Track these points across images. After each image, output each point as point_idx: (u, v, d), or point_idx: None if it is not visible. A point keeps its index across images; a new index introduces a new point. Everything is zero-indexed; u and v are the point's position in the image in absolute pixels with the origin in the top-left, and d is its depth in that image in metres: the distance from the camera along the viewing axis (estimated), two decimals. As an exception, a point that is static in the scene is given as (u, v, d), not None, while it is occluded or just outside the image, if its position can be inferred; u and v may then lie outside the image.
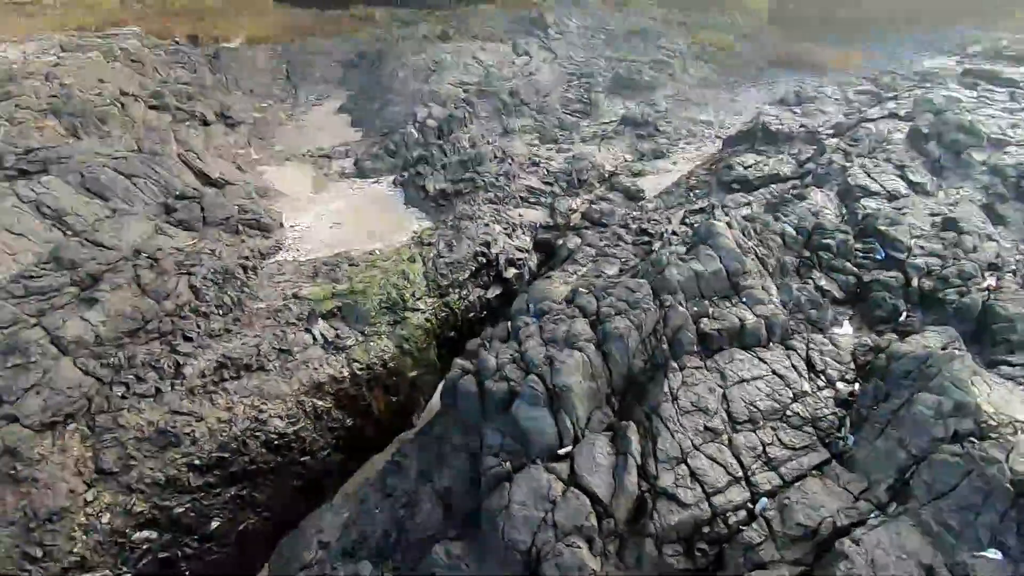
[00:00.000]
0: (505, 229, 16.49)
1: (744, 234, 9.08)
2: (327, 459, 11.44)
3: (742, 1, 29.85)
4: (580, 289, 8.85)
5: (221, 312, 11.43)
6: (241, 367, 10.58)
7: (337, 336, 11.91)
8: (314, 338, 11.73)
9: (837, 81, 20.30)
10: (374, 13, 33.65)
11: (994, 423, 6.30)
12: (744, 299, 8.06)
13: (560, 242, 17.21)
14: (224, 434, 9.71)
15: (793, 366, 7.41)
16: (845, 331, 8.24)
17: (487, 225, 15.79)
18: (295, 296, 12.42)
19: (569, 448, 6.91)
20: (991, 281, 8.52)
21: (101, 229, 11.73)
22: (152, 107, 18.21)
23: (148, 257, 11.41)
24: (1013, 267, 8.89)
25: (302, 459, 10.88)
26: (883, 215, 9.90)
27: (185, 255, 12.31)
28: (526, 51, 26.06)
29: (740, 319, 7.77)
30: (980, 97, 15.35)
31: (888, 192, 11.26)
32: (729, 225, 8.99)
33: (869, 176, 11.79)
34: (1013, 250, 9.42)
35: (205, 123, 18.78)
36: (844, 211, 11.23)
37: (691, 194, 16.06)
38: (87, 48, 21.76)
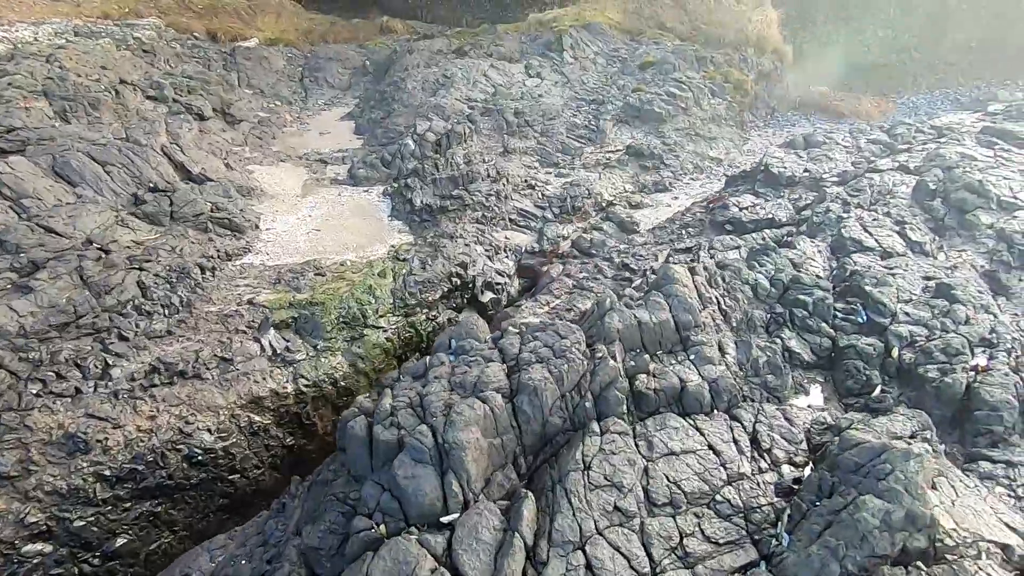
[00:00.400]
0: (487, 251, 15.83)
1: (711, 282, 8.27)
2: (260, 478, 10.70)
3: (764, 40, 29.22)
4: (510, 328, 8.09)
5: (167, 312, 10.84)
6: (175, 373, 9.93)
7: (287, 348, 11.25)
8: (262, 348, 11.07)
9: (851, 128, 19.49)
10: (396, 24, 33.66)
11: (952, 542, 5.29)
12: (692, 356, 7.21)
13: (544, 269, 16.51)
14: (141, 444, 9.02)
15: (735, 440, 6.47)
16: (808, 401, 7.34)
17: (467, 245, 15.13)
18: (250, 302, 11.81)
19: (454, 516, 5.96)
20: (980, 360, 7.58)
21: (56, 215, 11.26)
22: (150, 97, 17.96)
23: (99, 248, 10.90)
24: (1008, 346, 7.92)
25: (231, 477, 10.16)
26: (871, 274, 9.02)
27: (143, 249, 11.80)
28: (538, 73, 25.63)
29: (682, 380, 6.86)
30: (996, 157, 14.42)
31: (882, 248, 10.38)
32: (693, 271, 8.19)
33: (865, 230, 10.92)
34: (1011, 326, 8.43)
35: (202, 118, 18.49)
36: (833, 264, 10.37)
37: (683, 232, 15.27)
38: (100, 35, 21.76)
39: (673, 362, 7.21)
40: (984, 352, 7.82)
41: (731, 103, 26.86)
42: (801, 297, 8.58)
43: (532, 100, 23.26)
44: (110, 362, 9.54)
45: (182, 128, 17.20)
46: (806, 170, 15.59)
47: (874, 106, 29.95)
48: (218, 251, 13.04)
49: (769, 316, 8.38)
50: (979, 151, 14.94)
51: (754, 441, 6.63)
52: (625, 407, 6.72)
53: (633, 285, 12.39)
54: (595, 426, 6.46)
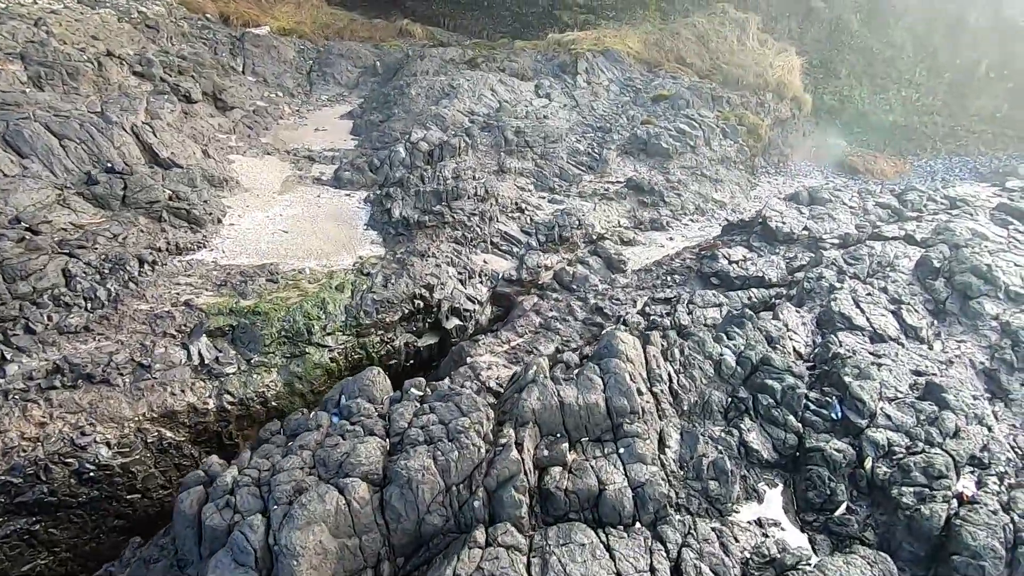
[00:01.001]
0: (460, 274, 14.87)
1: (666, 354, 7.28)
2: (166, 500, 9.69)
3: (784, 87, 28.41)
4: (413, 388, 7.09)
5: (89, 306, 9.91)
6: (81, 376, 8.98)
7: (217, 359, 10.28)
8: (188, 356, 10.12)
9: (860, 188, 18.54)
10: (416, 29, 33.06)
11: None
12: (622, 450, 6.15)
13: (520, 299, 15.53)
14: (22, 454, 8.06)
15: (651, 570, 5.36)
16: (758, 513, 6.25)
17: (438, 266, 14.18)
18: (187, 304, 10.88)
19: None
20: (966, 486, 6.50)
21: (-10, 188, 10.41)
22: (136, 73, 17.24)
23: (26, 228, 10.01)
24: (1001, 468, 6.83)
25: (129, 496, 9.15)
26: (854, 361, 7.98)
27: (80, 234, 10.92)
28: (548, 93, 24.85)
29: (602, 481, 5.69)
30: (1010, 239, 13.39)
31: (873, 329, 9.36)
32: (646, 339, 7.18)
33: (857, 305, 9.91)
34: (1006, 443, 7.32)
35: (189, 100, 17.73)
36: (816, 339, 9.35)
37: (668, 279, 14.28)
38: (105, 4, 21.13)
39: (598, 454, 6.14)
40: (972, 474, 6.72)
41: (743, 146, 25.93)
42: (769, 382, 7.53)
43: (536, 120, 22.41)
44: (7, 356, 8.61)
45: (163, 108, 16.41)
46: (806, 228, 14.60)
47: (890, 166, 28.95)
48: (168, 243, 12.14)
49: (730, 400, 7.32)
50: (992, 229, 13.91)
51: (676, 572, 5.53)
52: (526, 509, 5.63)
53: (572, 347, 11.34)
54: (480, 534, 5.34)
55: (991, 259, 11.18)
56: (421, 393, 6.92)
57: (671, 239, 19.23)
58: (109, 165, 12.71)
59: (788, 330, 9.23)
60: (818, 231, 14.60)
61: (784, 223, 14.57)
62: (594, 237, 18.21)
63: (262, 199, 16.11)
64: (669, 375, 7.04)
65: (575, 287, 15.55)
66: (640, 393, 6.46)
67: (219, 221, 13.94)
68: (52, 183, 11.49)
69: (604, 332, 7.53)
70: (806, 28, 30.02)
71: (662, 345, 7.55)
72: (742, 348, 8.00)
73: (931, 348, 9.24)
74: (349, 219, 16.23)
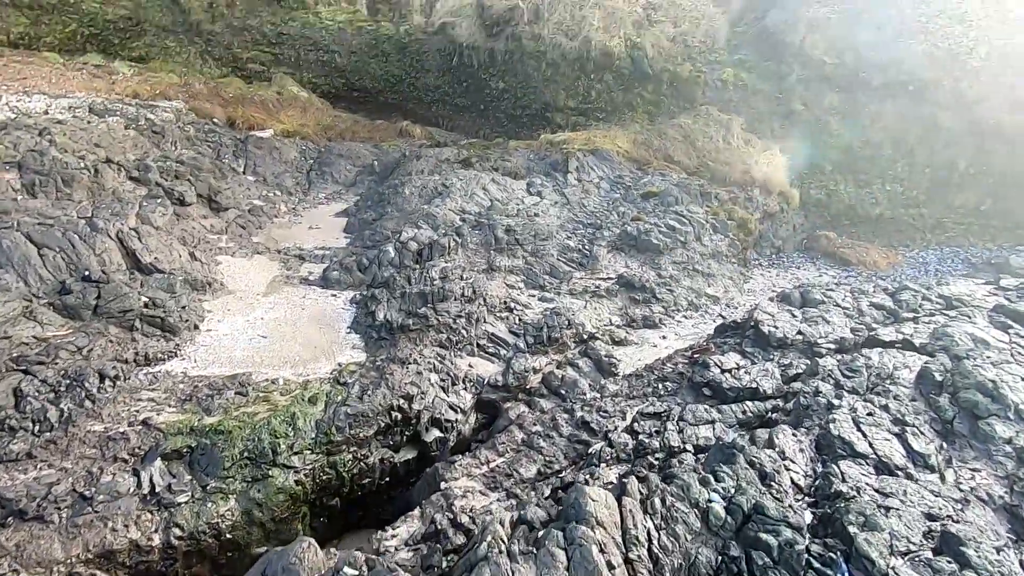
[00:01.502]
0: (443, 380, 14.26)
1: (646, 505, 6.53)
2: (94, 655, 8.53)
3: (771, 182, 29.13)
4: (347, 567, 6.28)
5: (37, 430, 9.27)
6: (12, 512, 8.19)
7: (170, 487, 9.47)
8: (138, 483, 9.32)
9: (852, 288, 18.28)
10: (415, 129, 34.58)
11: None
12: None
13: (507, 406, 14.80)
14: (-74, 613, 7.12)
15: None
16: None
17: (420, 373, 13.60)
18: (145, 423, 10.22)
19: None
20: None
21: (-47, 303, 10.12)
22: (133, 178, 17.61)
23: (-18, 347, 9.58)
24: (1040, 644, 5.88)
25: (48, 655, 8.04)
26: (858, 507, 7.15)
27: (41, 348, 10.48)
28: (539, 191, 25.41)
29: None
30: (1012, 344, 12.84)
31: (877, 457, 8.60)
32: (623, 489, 6.46)
33: (859, 428, 9.20)
34: (1042, 607, 6.39)
35: (182, 203, 17.98)
36: (817, 468, 8.57)
37: (660, 386, 13.62)
38: (114, 113, 22.11)
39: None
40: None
41: (734, 240, 26.10)
42: (764, 536, 6.67)
43: (527, 218, 22.70)
44: (-67, 493, 7.88)
45: (155, 212, 16.58)
46: (799, 332, 14.12)
47: (882, 257, 29.03)
48: (137, 354, 11.67)
49: (720, 559, 6.44)
50: (992, 334, 13.40)
51: None
52: None
53: (555, 469, 10.55)
54: None
55: (995, 373, 10.57)
56: (356, 573, 6.11)
57: (664, 337, 18.76)
58: (86, 273, 12.53)
59: (785, 459, 8.47)
60: (812, 335, 14.11)
61: (777, 327, 14.11)
62: (585, 337, 17.75)
63: (245, 301, 15.84)
64: (649, 533, 6.25)
65: (564, 392, 14.86)
66: (612, 568, 5.65)
67: (196, 327, 13.55)
68: (21, 295, 11.22)
69: (572, 489, 6.75)
70: (788, 128, 31.23)
71: (641, 493, 6.80)
72: (732, 492, 7.22)
73: (943, 479, 8.42)
74: (332, 322, 15.86)
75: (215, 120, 27.32)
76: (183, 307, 13.39)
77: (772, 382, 12.10)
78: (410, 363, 13.72)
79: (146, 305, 12.65)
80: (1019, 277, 22.24)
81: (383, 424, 12.19)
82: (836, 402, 10.17)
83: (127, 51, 32.59)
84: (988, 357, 11.41)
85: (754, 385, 11.92)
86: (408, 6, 35.97)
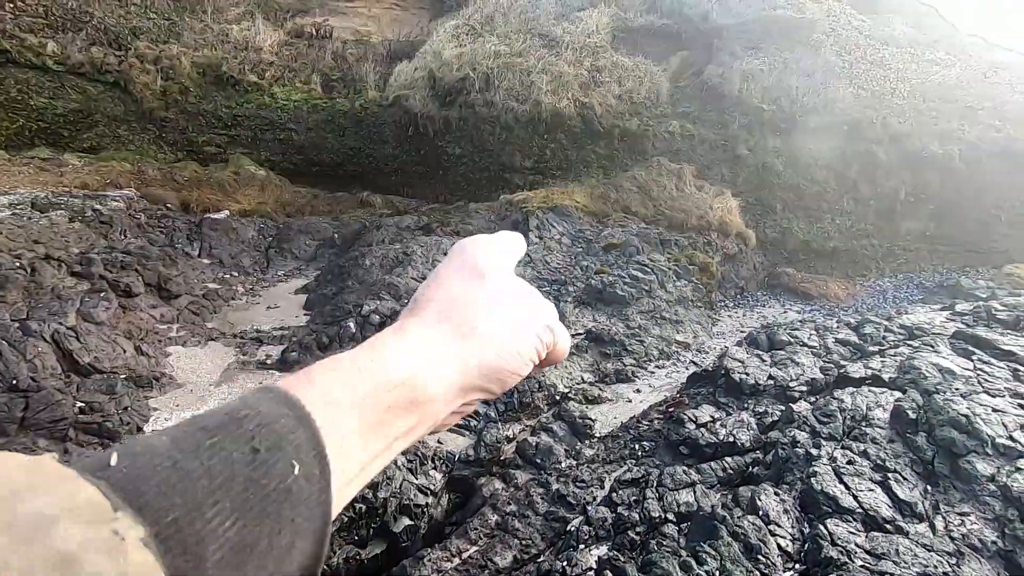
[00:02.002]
0: (410, 461, 13.45)
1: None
2: None
3: (727, 225, 29.89)
4: None
5: None
6: None
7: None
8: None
9: (817, 323, 18.44)
10: (375, 199, 34.71)
11: None
12: None
13: (481, 482, 13.99)
14: None
15: None
16: None
17: (385, 457, 12.80)
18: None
19: None
20: None
21: None
22: (75, 273, 16.84)
23: None
24: None
25: None
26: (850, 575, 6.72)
27: (-44, 475, 9.44)
28: (502, 252, 25.40)
29: None
30: (977, 371, 12.84)
31: (864, 511, 8.20)
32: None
33: (840, 480, 8.83)
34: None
35: (129, 294, 17.20)
36: (804, 529, 8.11)
37: (637, 446, 13.10)
38: (59, 207, 21.50)
39: None
40: None
41: (698, 284, 26.36)
42: (756, 624, 6.19)
43: (491, 280, 22.52)
44: None
45: (97, 307, 15.77)
46: (771, 377, 13.92)
47: (842, 288, 29.70)
48: (69, 468, 10.64)
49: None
50: (956, 363, 13.41)
51: None
52: None
53: (532, 554, 9.88)
54: None
55: (967, 406, 10.44)
56: None
57: (638, 391, 18.37)
58: (14, 382, 11.60)
59: (770, 523, 7.99)
60: (783, 379, 13.92)
61: (748, 374, 13.89)
62: (557, 398, 17.22)
63: (196, 395, 14.92)
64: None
65: (539, 460, 14.17)
66: None
67: (139, 429, 12.57)
68: (-65, 416, 10.25)
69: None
70: (736, 172, 32.41)
71: (618, 591, 6.24)
72: (716, 574, 6.73)
73: (933, 528, 8.02)
74: (291, 407, 15.00)
75: (168, 205, 26.89)
76: (124, 408, 12.46)
77: (749, 433, 11.72)
78: (374, 447, 12.91)
79: (82, 411, 11.70)
80: (971, 300, 22.88)
81: (346, 519, 11.28)
82: (815, 452, 9.82)
83: (78, 143, 32.23)
84: (957, 389, 11.32)
85: (731, 439, 11.52)
86: (363, 82, 36.88)
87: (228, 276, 23.50)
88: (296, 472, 0.57)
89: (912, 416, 10.70)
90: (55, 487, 0.43)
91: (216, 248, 25.06)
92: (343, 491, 0.65)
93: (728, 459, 10.90)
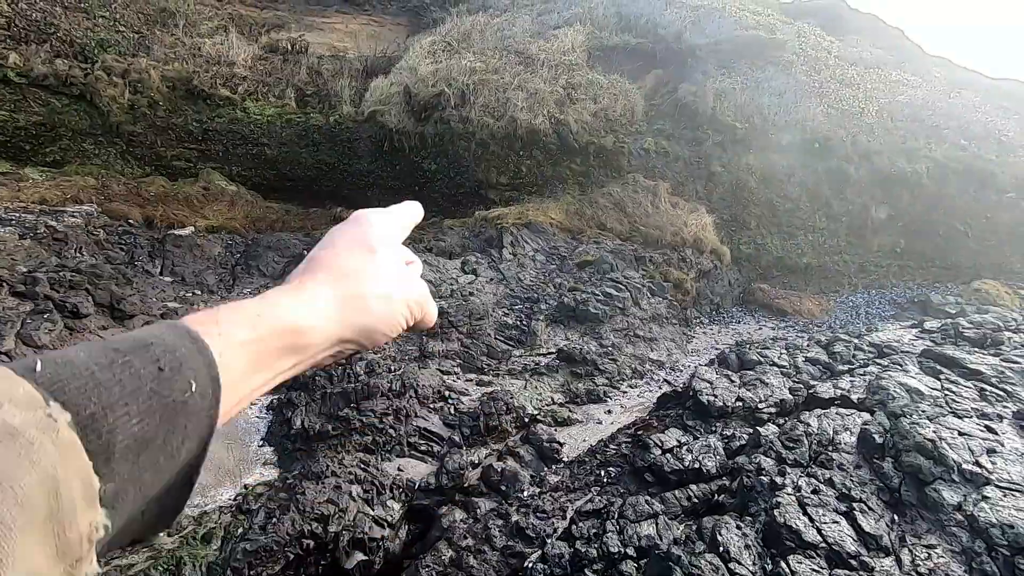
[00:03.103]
0: (367, 491, 12.79)
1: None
2: None
3: (701, 242, 29.84)
4: None
5: None
6: None
7: None
8: None
9: (788, 341, 18.23)
10: (349, 215, 34.04)
11: None
12: None
13: (442, 511, 13.35)
14: None
15: None
16: None
17: (338, 488, 12.14)
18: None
19: None
20: None
21: None
22: (17, 294, 15.98)
23: None
24: None
25: None
26: (810, 622, 6.30)
27: None
28: (474, 269, 24.96)
29: None
30: (944, 391, 12.64)
31: (828, 546, 7.81)
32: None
33: (804, 512, 8.44)
34: None
35: (76, 315, 16.37)
36: (766, 568, 7.68)
37: (602, 472, 12.61)
38: (8, 223, 20.63)
39: None
40: None
41: (672, 301, 26.15)
42: None
43: (461, 298, 22.04)
44: None
45: (40, 329, 14.95)
46: (739, 399, 13.58)
47: (816, 304, 29.73)
48: (-11, 507, 9.82)
49: None
50: (924, 382, 13.20)
51: None
52: None
53: (529, 563, 9.37)
54: None
55: (934, 429, 10.16)
56: None
57: (609, 412, 17.93)
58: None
59: (730, 560, 7.55)
60: (752, 400, 13.59)
61: (716, 396, 13.54)
62: (526, 420, 16.70)
63: (143, 421, 14.11)
64: None
65: (504, 487, 13.61)
66: None
67: (74, 461, 11.75)
68: None
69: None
70: (711, 189, 32.48)
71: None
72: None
73: (899, 562, 7.65)
74: (243, 435, 14.28)
75: (130, 221, 26.03)
76: (59, 439, 11.64)
77: (715, 459, 11.32)
78: (326, 477, 12.25)
79: (8, 443, 10.88)
80: (940, 318, 23.02)
81: (292, 556, 10.58)
82: (779, 480, 9.43)
83: (40, 156, 31.20)
84: (924, 411, 11.07)
85: (697, 465, 11.10)
86: (338, 97, 36.45)
87: (190, 295, 22.69)
88: (193, 390, 0.69)
89: (879, 440, 10.40)
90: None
91: (179, 265, 24.24)
92: (230, 410, 0.79)
93: (693, 487, 10.47)
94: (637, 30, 37.70)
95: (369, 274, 1.00)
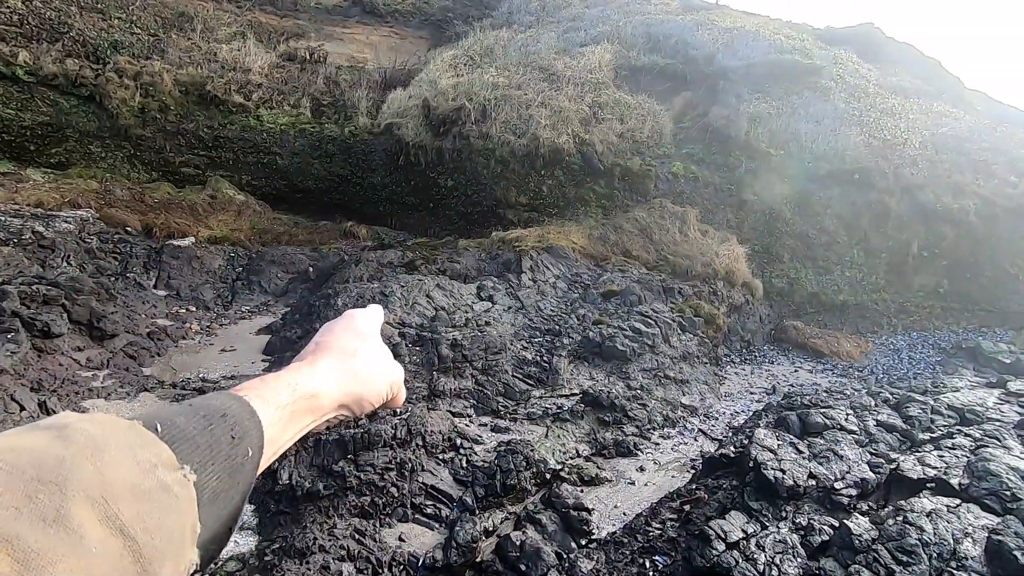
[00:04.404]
0: (361, 569, 10.46)
1: None
2: None
3: (733, 274, 27.50)
4: None
5: None
6: None
7: None
8: None
9: (852, 400, 15.72)
10: (360, 230, 32.14)
11: None
12: None
13: (450, 595, 10.94)
14: None
15: None
16: None
17: (326, 568, 9.81)
18: None
19: None
20: None
21: None
22: (-19, 310, 13.88)
23: None
24: None
25: None
26: None
27: None
28: (491, 296, 22.69)
29: None
30: (1067, 480, 10.18)
31: None
32: None
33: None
34: None
35: (47, 335, 14.25)
36: None
37: (647, 563, 10.20)
38: (-9, 228, 18.65)
39: None
40: None
41: (703, 339, 23.67)
42: None
43: (476, 329, 19.70)
44: None
45: (2, 350, 12.84)
46: (811, 475, 11.14)
47: (854, 346, 27.14)
48: None
49: None
50: (1036, 463, 10.73)
51: None
52: None
53: None
54: None
55: (1093, 547, 7.72)
56: None
57: (642, 469, 15.44)
58: None
59: None
60: (827, 477, 11.13)
61: (784, 471, 11.09)
62: (548, 476, 14.25)
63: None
64: None
65: (524, 567, 11.18)
66: None
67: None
68: None
69: None
70: (742, 218, 30.21)
71: None
72: None
73: None
74: (221, 488, 11.98)
75: (128, 229, 24.11)
76: None
77: (796, 561, 8.89)
78: (313, 553, 9.90)
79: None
80: (993, 367, 20.43)
81: (262, 668, 8.20)
82: (901, 614, 7.03)
83: (44, 157, 29.51)
84: (1064, 515, 8.62)
85: (773, 570, 8.68)
86: (354, 108, 34.68)
87: (183, 311, 20.59)
88: (249, 455, 0.87)
89: (1015, 554, 7.95)
90: (151, 446, 0.73)
91: (175, 278, 22.20)
92: (266, 461, 0.96)
93: (775, 605, 8.03)
94: (666, 51, 35.82)
95: (362, 354, 1.24)
